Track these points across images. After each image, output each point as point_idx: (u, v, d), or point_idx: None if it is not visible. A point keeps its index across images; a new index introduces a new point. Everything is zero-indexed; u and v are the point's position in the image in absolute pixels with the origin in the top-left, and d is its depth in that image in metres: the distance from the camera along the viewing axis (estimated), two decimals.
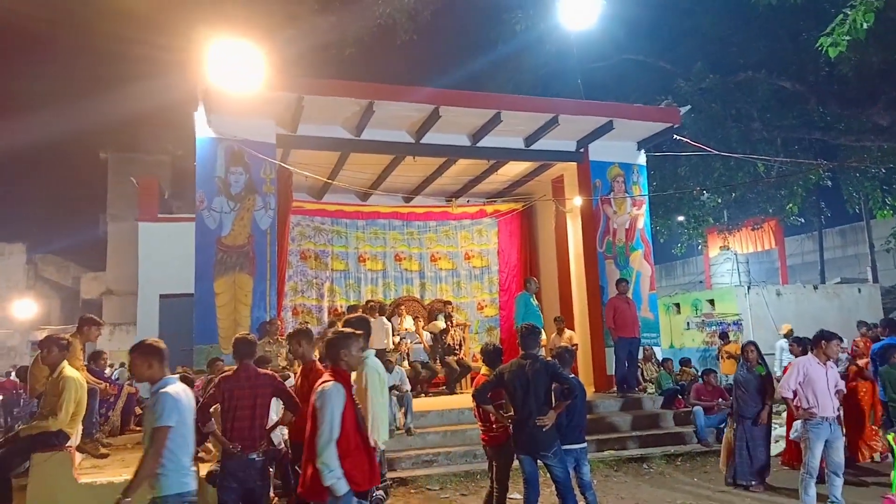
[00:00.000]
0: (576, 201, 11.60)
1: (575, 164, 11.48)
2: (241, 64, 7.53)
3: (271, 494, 5.49)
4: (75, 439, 5.79)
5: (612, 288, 10.46)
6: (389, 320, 11.33)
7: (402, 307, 12.45)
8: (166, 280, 11.83)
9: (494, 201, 13.82)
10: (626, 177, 11.38)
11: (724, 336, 13.20)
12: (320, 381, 3.91)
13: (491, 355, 5.78)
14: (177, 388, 3.86)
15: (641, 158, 11.63)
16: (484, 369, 5.85)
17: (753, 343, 7.64)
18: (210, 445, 5.74)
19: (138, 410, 8.35)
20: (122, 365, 15.55)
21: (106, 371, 10.18)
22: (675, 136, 11.25)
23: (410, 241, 13.52)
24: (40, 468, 5.25)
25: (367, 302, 11.82)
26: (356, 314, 5.01)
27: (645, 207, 11.51)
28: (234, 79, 7.75)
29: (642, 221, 11.42)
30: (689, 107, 11.48)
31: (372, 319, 10.74)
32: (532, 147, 11.01)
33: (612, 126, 10.56)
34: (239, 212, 9.36)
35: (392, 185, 12.19)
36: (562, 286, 12.37)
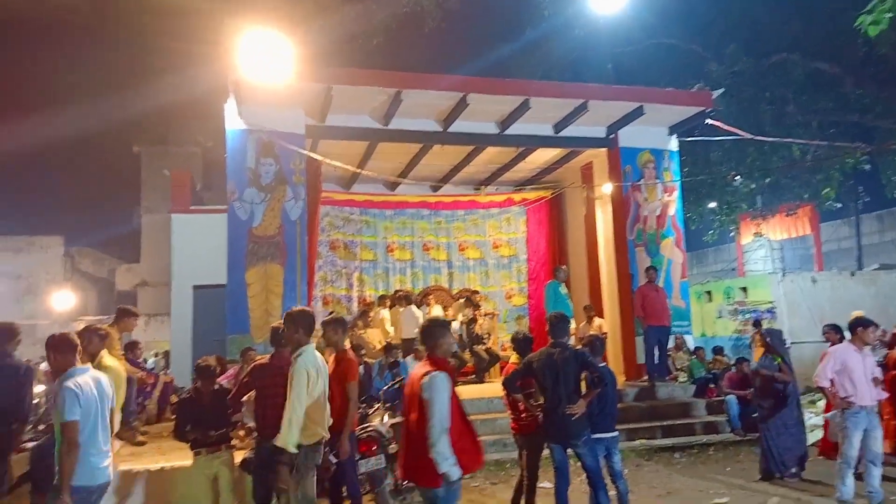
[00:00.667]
0: (605, 188, 11.47)
1: (605, 150, 11.35)
2: (270, 55, 7.58)
3: None
4: (114, 427, 5.91)
5: (643, 276, 10.36)
6: (419, 309, 11.38)
7: (431, 296, 12.48)
8: (199, 271, 11.97)
9: (522, 189, 13.74)
10: (657, 163, 11.22)
11: (757, 324, 12.96)
12: (423, 371, 3.95)
13: (521, 344, 5.77)
14: (80, 379, 3.92)
15: (673, 144, 11.45)
16: (514, 358, 5.84)
17: (765, 331, 7.53)
18: (243, 433, 5.83)
19: (174, 399, 8.52)
20: (156, 355, 15.88)
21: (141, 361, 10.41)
22: (707, 120, 11.03)
23: (438, 231, 13.53)
24: None
25: (396, 291, 11.90)
26: (298, 307, 4.83)
27: (676, 194, 11.34)
28: (263, 70, 7.81)
29: (674, 208, 11.26)
30: (722, 90, 11.23)
31: (401, 309, 10.91)
32: (561, 134, 10.90)
33: (643, 111, 10.41)
34: (269, 202, 9.45)
35: (420, 175, 12.20)
36: (591, 274, 12.28)
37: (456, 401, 3.94)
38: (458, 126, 10.26)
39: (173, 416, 7.98)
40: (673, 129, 11.34)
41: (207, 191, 20.02)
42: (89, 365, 4.23)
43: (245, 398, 5.31)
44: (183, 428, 5.16)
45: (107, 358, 5.68)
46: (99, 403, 4.01)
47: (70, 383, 3.88)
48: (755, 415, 8.32)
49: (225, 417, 5.19)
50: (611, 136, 11.19)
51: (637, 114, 10.51)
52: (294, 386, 4.42)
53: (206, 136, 22.60)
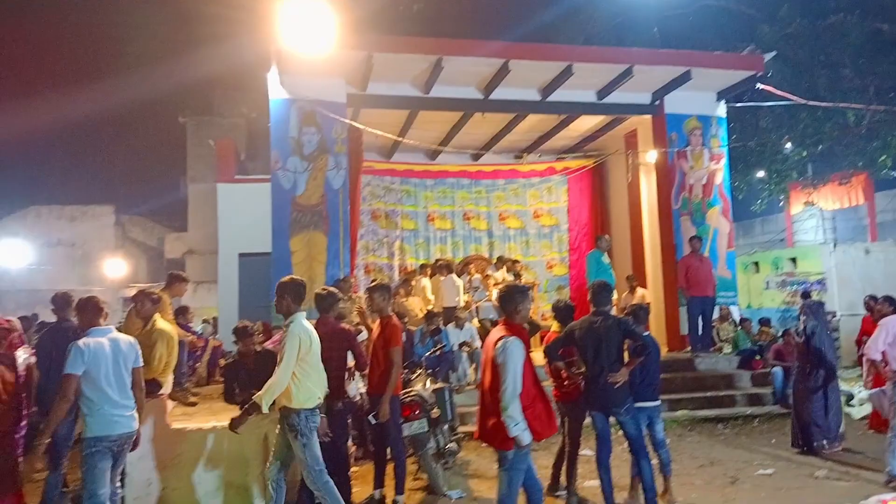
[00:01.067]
0: (650, 156, 11.24)
1: (650, 117, 11.09)
2: (311, 23, 7.57)
3: (349, 443, 5.71)
4: (167, 388, 6.14)
5: (687, 245, 10.18)
6: (459, 278, 11.42)
7: (471, 265, 12.50)
8: (245, 239, 12.22)
9: (564, 158, 13.56)
10: (703, 130, 10.92)
11: (806, 295, 12.60)
12: (498, 336, 4.00)
13: (562, 312, 5.76)
14: (92, 339, 4.28)
15: (721, 110, 11.11)
16: (555, 326, 5.83)
17: (804, 304, 7.37)
18: None
19: (222, 362, 8.78)
20: (204, 321, 16.34)
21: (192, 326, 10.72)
22: (757, 85, 10.65)
23: (479, 200, 13.50)
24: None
25: (437, 260, 11.94)
26: (289, 276, 4.84)
27: (724, 162, 11.04)
28: (305, 38, 7.81)
29: (721, 176, 10.98)
30: (773, 53, 10.80)
31: (442, 278, 10.96)
32: (605, 100, 10.68)
33: (690, 76, 10.11)
34: (312, 171, 9.55)
35: (460, 143, 12.14)
36: (634, 244, 12.13)
37: (529, 367, 3.98)
38: (500, 93, 10.14)
39: (222, 379, 8.26)
40: (721, 95, 11.00)
41: (252, 161, 20.29)
42: (111, 327, 4.53)
43: None
44: (231, 390, 5.32)
45: (160, 321, 5.86)
46: (112, 361, 4.33)
47: (80, 342, 4.24)
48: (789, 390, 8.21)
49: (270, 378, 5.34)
50: (656, 103, 10.91)
51: (684, 79, 10.22)
52: (284, 350, 4.48)
53: (250, 106, 22.80)
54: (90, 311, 4.46)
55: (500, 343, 3.95)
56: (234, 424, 4.61)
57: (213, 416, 6.49)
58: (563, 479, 5.62)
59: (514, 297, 4.13)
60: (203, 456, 5.38)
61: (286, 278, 4.80)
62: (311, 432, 4.54)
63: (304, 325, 4.61)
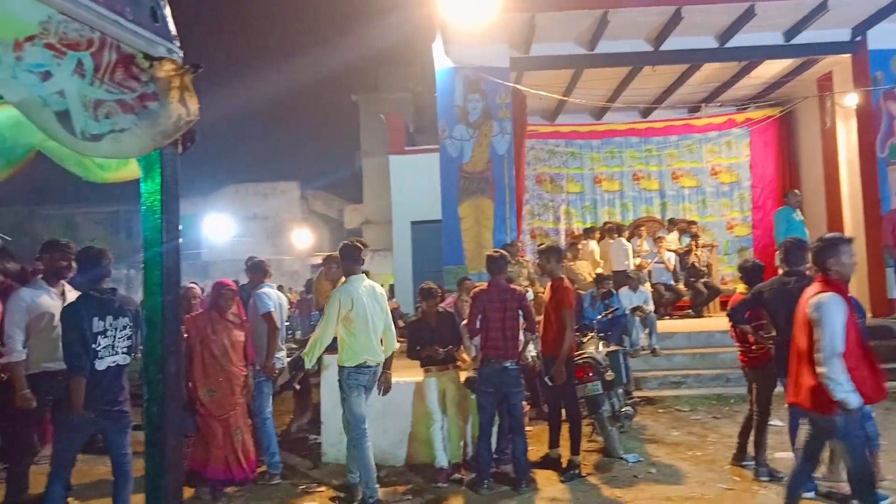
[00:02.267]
0: (849, 100, 10.01)
1: (849, 56, 9.87)
2: None
3: (522, 402, 5.81)
4: None
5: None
6: (629, 241, 11.06)
7: (642, 228, 12.02)
8: (416, 208, 12.74)
9: (746, 108, 12.51)
10: None
11: None
12: (814, 291, 3.76)
13: (750, 272, 5.37)
14: (268, 290, 5.74)
15: None
16: (741, 288, 5.46)
17: None
18: (465, 355, 6.19)
19: (401, 323, 9.29)
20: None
21: None
22: None
23: (649, 159, 12.92)
24: (328, 368, 6.12)
25: (605, 223, 11.66)
26: (348, 241, 5.11)
27: None
28: (469, 6, 7.87)
29: None
30: None
31: (610, 241, 10.69)
32: (793, 41, 9.67)
33: None
34: (478, 138, 9.69)
35: (628, 100, 11.64)
36: (829, 200, 10.95)
37: (853, 327, 3.62)
38: (671, 43, 9.54)
39: (401, 338, 8.75)
40: None
41: (419, 133, 20.98)
42: (273, 284, 5.98)
43: (466, 323, 5.63)
44: (414, 347, 5.62)
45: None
46: (279, 311, 5.71)
47: (261, 290, 5.71)
48: None
49: (450, 337, 5.58)
50: (857, 39, 9.67)
51: (893, 7, 8.93)
52: (325, 310, 4.85)
53: (415, 81, 23.55)
54: (259, 272, 5.90)
55: (814, 298, 3.65)
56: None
57: (394, 373, 6.92)
58: (750, 448, 5.31)
59: (824, 252, 3.76)
60: (388, 408, 5.76)
61: (343, 242, 5.18)
62: (350, 389, 4.79)
63: (348, 289, 4.85)
